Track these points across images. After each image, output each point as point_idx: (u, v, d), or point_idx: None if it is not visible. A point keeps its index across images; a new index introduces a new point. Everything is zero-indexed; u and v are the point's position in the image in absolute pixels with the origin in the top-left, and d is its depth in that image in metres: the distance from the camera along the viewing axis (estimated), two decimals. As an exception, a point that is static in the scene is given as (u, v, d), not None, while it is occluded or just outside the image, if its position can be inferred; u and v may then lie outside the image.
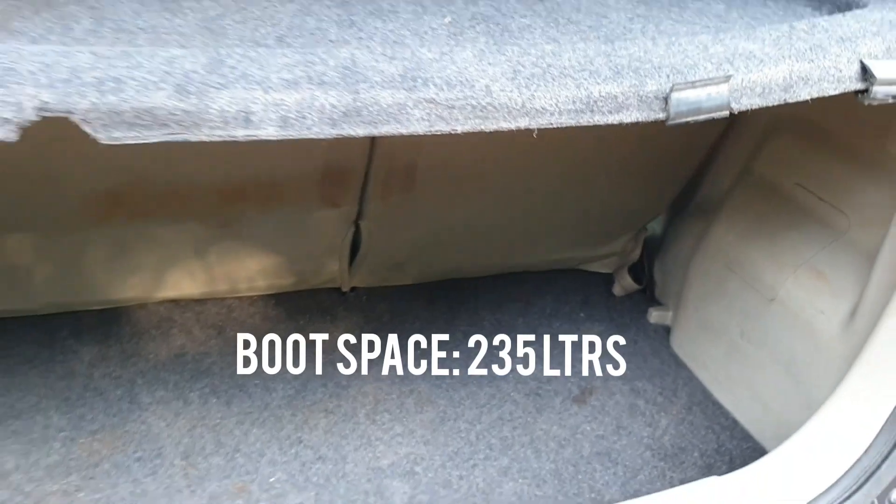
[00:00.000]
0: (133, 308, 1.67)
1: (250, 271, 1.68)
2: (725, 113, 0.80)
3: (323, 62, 0.74)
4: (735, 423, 1.55)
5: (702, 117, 0.79)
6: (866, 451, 1.11)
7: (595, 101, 0.77)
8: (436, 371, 1.60)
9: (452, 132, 0.74)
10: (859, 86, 0.88)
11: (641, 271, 1.89)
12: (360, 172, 1.50)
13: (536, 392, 1.59)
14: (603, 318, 1.81)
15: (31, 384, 1.47)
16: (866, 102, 0.89)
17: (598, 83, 0.76)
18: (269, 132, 0.69)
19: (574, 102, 0.76)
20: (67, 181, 1.35)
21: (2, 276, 1.49)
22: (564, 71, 0.77)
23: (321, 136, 0.71)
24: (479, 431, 1.48)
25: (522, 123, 0.76)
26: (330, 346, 1.63)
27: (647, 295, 1.89)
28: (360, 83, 0.71)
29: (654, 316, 1.81)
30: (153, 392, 1.49)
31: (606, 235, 1.84)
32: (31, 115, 0.64)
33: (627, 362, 1.68)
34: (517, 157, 1.52)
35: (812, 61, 0.85)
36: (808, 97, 0.86)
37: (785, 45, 0.87)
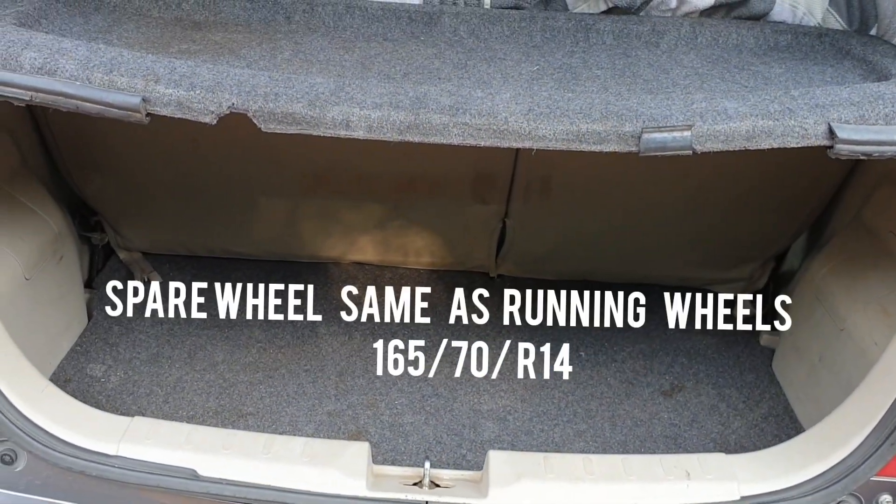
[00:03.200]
0: (328, 264, 2.17)
1: (417, 247, 2.11)
2: (689, 151, 1.08)
3: (405, 94, 1.13)
4: (804, 437, 1.73)
5: (668, 153, 1.08)
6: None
7: (583, 135, 1.09)
8: (550, 350, 1.92)
9: (478, 145, 1.10)
10: (824, 142, 1.11)
11: (766, 299, 2.07)
12: (506, 178, 1.87)
13: (631, 381, 1.86)
14: (716, 334, 2.02)
15: (247, 305, 2.00)
16: (832, 156, 1.12)
17: (587, 122, 1.08)
18: (360, 133, 1.09)
19: (567, 134, 1.08)
20: (287, 162, 1.86)
21: (236, 225, 2.03)
22: (565, 112, 1.10)
23: (393, 139, 1.10)
24: (569, 401, 1.79)
25: (528, 144, 1.10)
26: (471, 317, 2.01)
27: (769, 320, 2.06)
28: (421, 109, 1.09)
29: (765, 339, 2.00)
30: (329, 326, 1.96)
31: (731, 260, 2.06)
32: (224, 111, 1.09)
33: (724, 372, 1.90)
34: (642, 178, 1.82)
35: (777, 120, 1.10)
36: (769, 147, 1.11)
37: (760, 105, 1.12)
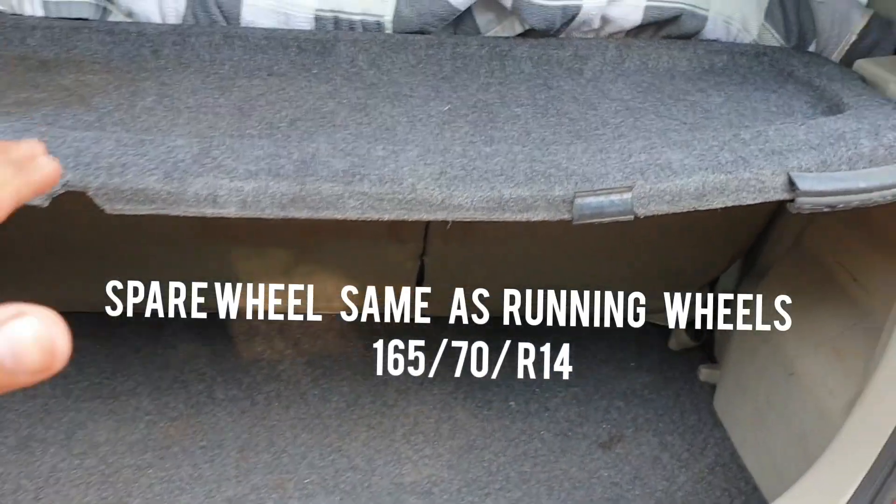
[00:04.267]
0: (228, 319, 1.94)
1: (328, 293, 1.90)
2: (630, 216, 0.91)
3: (287, 156, 0.92)
4: (755, 489, 1.59)
5: (606, 219, 0.91)
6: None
7: (506, 202, 0.90)
8: (477, 401, 1.75)
9: (380, 219, 0.91)
10: (784, 196, 0.96)
11: (702, 329, 1.94)
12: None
13: (566, 433, 1.70)
14: (652, 370, 1.88)
15: (132, 371, 1.76)
16: (793, 211, 0.97)
17: (511, 187, 0.90)
18: (231, 211, 0.88)
19: (487, 202, 0.90)
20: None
21: (116, 280, 1.79)
22: (484, 175, 0.91)
23: (274, 217, 0.89)
24: (501, 463, 1.61)
25: (441, 216, 0.91)
26: (387, 368, 1.82)
27: (705, 352, 1.93)
28: (309, 177, 0.89)
29: (704, 374, 1.86)
30: (228, 390, 1.74)
31: (664, 290, 1.91)
32: (58, 189, 0.87)
33: (664, 416, 1.76)
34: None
35: (730, 173, 0.94)
36: (723, 205, 0.95)
37: (710, 156, 0.96)
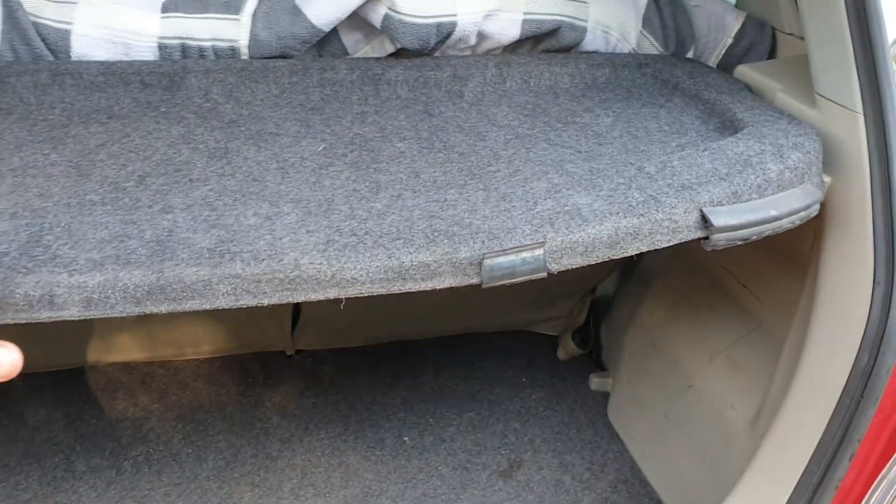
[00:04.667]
0: (82, 370, 1.73)
1: (195, 336, 1.73)
2: (544, 274, 0.82)
3: (139, 235, 0.77)
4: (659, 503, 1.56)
5: (518, 279, 0.81)
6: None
7: (407, 270, 0.79)
8: (368, 441, 1.64)
9: (259, 304, 0.78)
10: (698, 234, 0.89)
11: (588, 335, 1.90)
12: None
13: (465, 465, 1.61)
14: (545, 384, 1.83)
15: (-31, 451, 1.54)
16: (707, 248, 0.91)
17: (411, 252, 0.79)
18: (73, 313, 0.73)
19: (385, 272, 0.79)
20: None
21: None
22: (379, 240, 0.80)
23: (125, 315, 0.75)
24: (400, 508, 1.51)
25: (332, 294, 0.79)
26: (266, 414, 1.68)
27: (593, 359, 1.90)
28: (167, 261, 0.74)
29: (595, 382, 1.82)
30: (89, 460, 1.54)
31: (550, 297, 1.86)
32: None
33: (561, 433, 1.70)
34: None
35: (643, 216, 0.86)
36: (637, 251, 0.87)
37: (619, 197, 0.88)
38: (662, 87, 1.27)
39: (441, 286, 0.80)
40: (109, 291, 0.72)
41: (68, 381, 1.71)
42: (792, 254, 1.35)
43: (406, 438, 1.66)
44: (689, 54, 1.40)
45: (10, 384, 1.58)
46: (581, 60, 1.29)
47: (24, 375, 1.60)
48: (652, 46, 1.37)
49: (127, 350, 1.71)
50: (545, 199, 0.87)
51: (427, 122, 1.13)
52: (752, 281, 1.46)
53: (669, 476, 1.54)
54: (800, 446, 1.13)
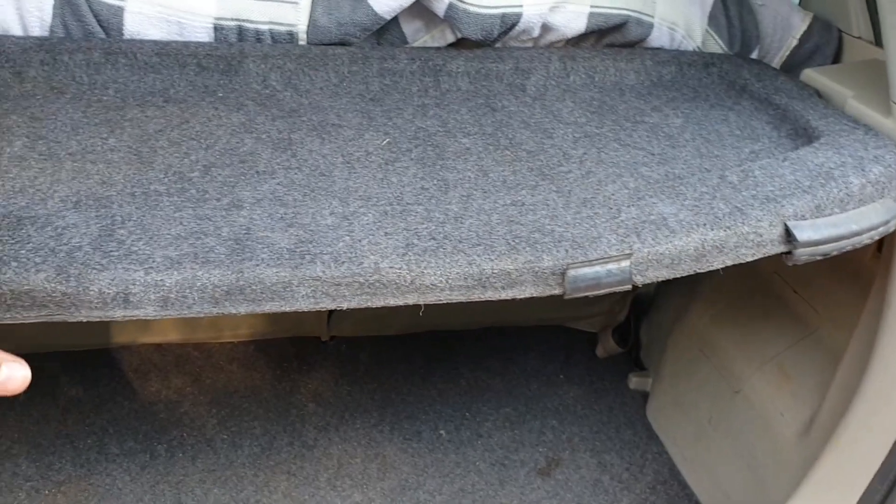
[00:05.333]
0: (116, 349, 1.72)
1: (234, 319, 1.71)
2: (629, 286, 0.79)
3: (215, 232, 0.74)
4: (698, 507, 1.54)
5: (603, 291, 0.78)
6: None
7: (487, 278, 0.76)
8: (405, 433, 1.62)
9: (338, 308, 0.75)
10: (781, 249, 0.86)
11: (627, 333, 1.87)
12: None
13: (503, 462, 1.59)
14: (582, 381, 1.80)
15: (6, 428, 1.52)
16: (790, 263, 0.87)
17: (492, 259, 0.76)
18: (149, 312, 0.70)
19: (465, 279, 0.76)
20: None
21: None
22: (458, 245, 0.77)
23: (203, 315, 0.72)
24: (437, 503, 1.49)
25: (411, 299, 0.76)
26: (302, 400, 1.66)
27: (632, 358, 1.87)
28: (246, 261, 0.72)
29: (634, 382, 1.79)
30: (122, 443, 1.53)
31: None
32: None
33: (599, 432, 1.68)
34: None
35: (729, 228, 0.83)
36: (722, 265, 0.84)
37: (705, 207, 0.85)
38: (729, 89, 1.23)
39: (521, 296, 0.78)
40: (187, 291, 0.70)
41: (100, 360, 1.69)
42: (850, 263, 1.31)
43: (443, 432, 1.64)
44: (754, 54, 1.35)
45: (39, 362, 1.56)
46: (647, 57, 1.25)
47: (56, 354, 1.58)
48: (717, 45, 1.33)
49: (163, 331, 1.70)
50: (629, 206, 0.84)
51: (490, 117, 1.09)
52: (806, 287, 1.42)
53: (710, 480, 1.52)
54: (862, 463, 1.10)
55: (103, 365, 1.68)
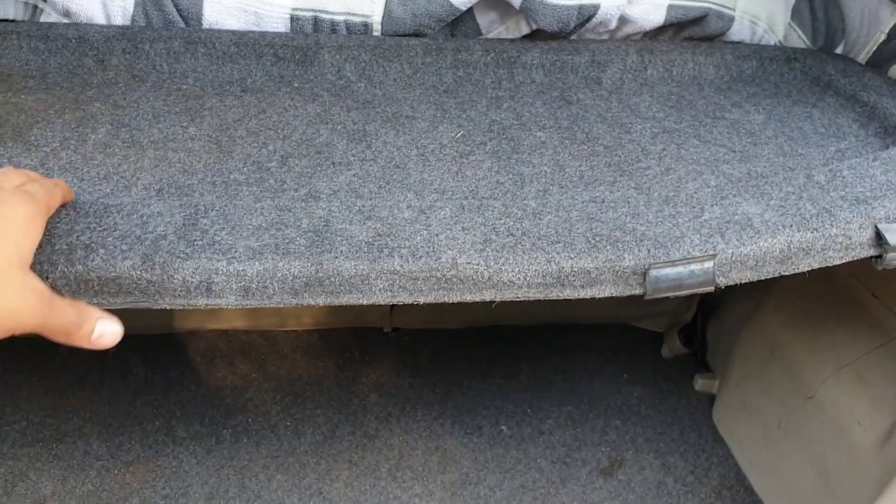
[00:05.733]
0: (183, 335, 1.74)
1: (298, 308, 1.72)
2: (711, 288, 0.77)
3: (295, 223, 0.74)
4: (765, 514, 1.50)
5: (684, 293, 0.76)
6: None
7: (566, 276, 0.75)
8: (465, 427, 1.61)
9: (415, 302, 0.74)
10: (871, 252, 0.83)
11: (694, 334, 1.84)
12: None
13: (564, 460, 1.57)
14: (647, 381, 1.77)
15: (77, 406, 1.56)
16: (879, 268, 0.84)
17: (572, 257, 0.74)
18: (230, 301, 0.70)
19: (543, 277, 0.74)
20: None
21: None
22: (537, 242, 0.75)
23: (282, 305, 0.72)
24: (498, 499, 1.48)
25: (488, 296, 0.75)
26: (363, 390, 1.66)
27: (698, 359, 1.83)
28: (325, 253, 0.72)
29: (700, 383, 1.76)
30: (189, 426, 1.55)
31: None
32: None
33: (664, 434, 1.65)
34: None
35: (816, 230, 0.80)
36: (808, 268, 0.81)
37: (791, 207, 0.82)
38: (813, 85, 1.19)
39: (601, 295, 0.76)
40: (268, 282, 0.70)
41: (168, 345, 1.72)
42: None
43: (503, 427, 1.63)
44: (838, 49, 1.31)
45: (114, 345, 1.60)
46: (727, 51, 1.22)
47: (127, 337, 1.62)
48: (800, 40, 1.29)
49: (229, 318, 1.72)
50: (712, 205, 0.82)
51: (566, 111, 1.08)
52: (884, 291, 1.37)
53: (779, 487, 1.48)
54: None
55: (171, 349, 1.71)
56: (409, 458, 1.54)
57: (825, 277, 1.49)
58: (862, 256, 0.83)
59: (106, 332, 0.64)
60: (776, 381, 1.50)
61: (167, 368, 1.67)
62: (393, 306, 1.73)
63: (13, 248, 0.59)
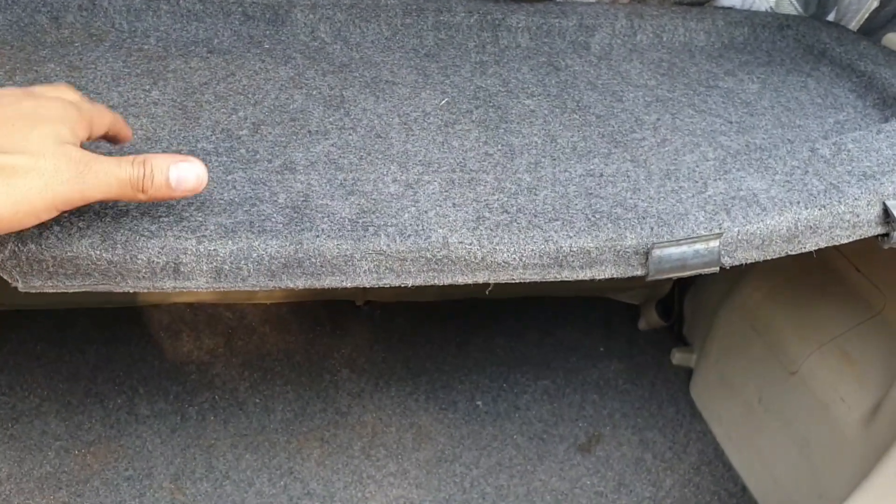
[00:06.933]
0: (147, 307, 1.67)
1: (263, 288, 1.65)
2: (716, 269, 0.73)
3: (271, 198, 0.68)
4: (744, 489, 1.49)
5: (688, 273, 0.72)
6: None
7: (565, 257, 0.70)
8: (440, 402, 1.57)
9: (402, 285, 0.69)
10: (878, 230, 0.79)
11: (671, 307, 1.81)
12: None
13: (541, 436, 1.54)
14: (623, 355, 1.74)
15: (35, 384, 1.49)
16: (886, 247, 0.80)
17: (571, 236, 0.69)
18: (200, 283, 0.64)
19: (541, 257, 0.69)
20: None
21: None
22: (534, 220, 0.70)
23: (258, 288, 0.66)
24: (474, 477, 1.45)
25: (482, 278, 0.70)
26: (335, 366, 1.61)
27: (675, 332, 1.81)
28: (305, 231, 0.66)
29: (678, 357, 1.73)
30: (153, 403, 1.49)
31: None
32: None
33: (641, 409, 1.62)
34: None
35: (824, 207, 0.76)
36: (815, 247, 0.78)
37: (797, 183, 0.78)
38: (807, 53, 1.15)
39: (601, 276, 0.71)
40: (242, 262, 0.64)
41: (130, 319, 1.65)
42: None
43: (479, 403, 1.59)
44: (830, 17, 1.27)
45: (68, 318, 1.52)
46: (718, 17, 1.17)
47: (87, 311, 1.54)
48: (791, 6, 1.24)
49: (197, 291, 1.65)
50: (715, 180, 0.77)
51: (554, 77, 1.02)
52: (870, 266, 1.35)
53: (759, 464, 1.46)
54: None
55: (133, 323, 1.64)
56: (383, 435, 1.49)
57: (808, 252, 1.46)
58: (869, 235, 0.79)
59: (183, 176, 0.60)
60: (757, 357, 1.48)
61: (129, 343, 1.60)
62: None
63: (49, 129, 0.55)
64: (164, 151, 0.76)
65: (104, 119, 0.65)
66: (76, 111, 0.59)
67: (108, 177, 0.57)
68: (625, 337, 1.79)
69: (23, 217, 0.53)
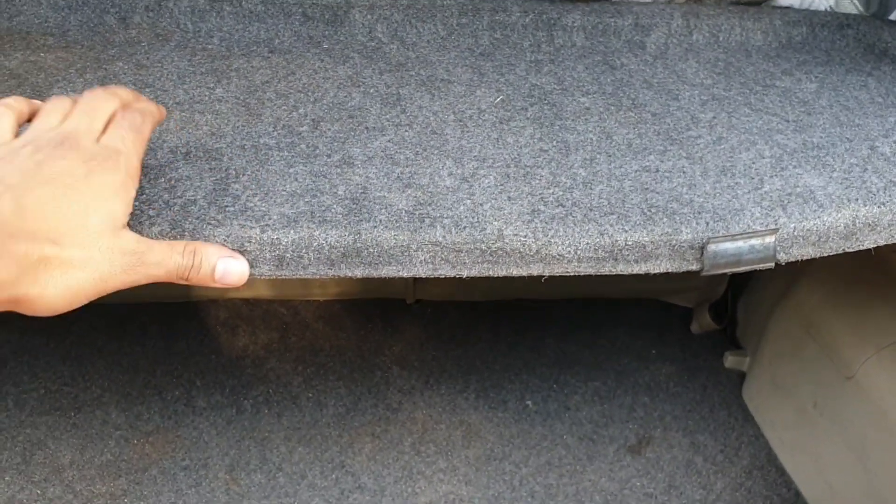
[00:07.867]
0: (204, 303, 1.71)
1: (325, 278, 1.68)
2: (771, 264, 0.73)
3: (331, 190, 0.70)
4: (797, 495, 1.47)
5: (742, 269, 0.72)
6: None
7: (620, 250, 0.70)
8: (490, 401, 1.58)
9: (458, 276, 0.70)
10: (939, 233, 0.78)
11: (724, 310, 1.79)
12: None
13: (591, 437, 1.54)
14: (676, 358, 1.73)
15: (96, 375, 1.54)
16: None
17: (626, 230, 0.70)
18: (263, 271, 0.66)
19: (596, 250, 0.70)
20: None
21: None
22: (589, 213, 0.71)
23: (318, 276, 0.68)
24: (524, 475, 1.45)
25: (536, 270, 0.71)
26: (386, 362, 1.63)
27: (728, 335, 1.79)
28: (364, 222, 0.67)
29: (731, 360, 1.71)
30: (209, 396, 1.53)
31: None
32: None
33: (692, 411, 1.61)
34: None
35: (883, 205, 0.75)
36: (873, 245, 0.77)
37: (856, 180, 0.77)
38: (867, 53, 1.13)
39: (654, 270, 0.72)
40: (303, 251, 0.66)
41: (188, 313, 1.69)
42: None
43: (529, 402, 1.59)
44: (893, 15, 1.24)
45: (128, 313, 1.56)
46: (775, 16, 1.16)
47: (146, 305, 1.58)
48: (852, 5, 1.23)
49: (254, 287, 1.69)
50: (771, 176, 0.77)
51: (609, 76, 1.02)
52: (932, 270, 1.32)
53: (813, 469, 1.44)
54: None
55: (191, 318, 1.68)
56: (433, 432, 1.51)
57: (865, 253, 1.44)
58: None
59: (229, 270, 0.64)
60: (812, 361, 1.46)
61: (187, 337, 1.64)
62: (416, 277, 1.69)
63: (103, 214, 0.58)
64: (228, 146, 0.79)
65: (149, 127, 0.67)
66: (131, 160, 0.61)
67: (158, 268, 0.60)
68: (677, 340, 1.77)
69: (76, 304, 0.58)
